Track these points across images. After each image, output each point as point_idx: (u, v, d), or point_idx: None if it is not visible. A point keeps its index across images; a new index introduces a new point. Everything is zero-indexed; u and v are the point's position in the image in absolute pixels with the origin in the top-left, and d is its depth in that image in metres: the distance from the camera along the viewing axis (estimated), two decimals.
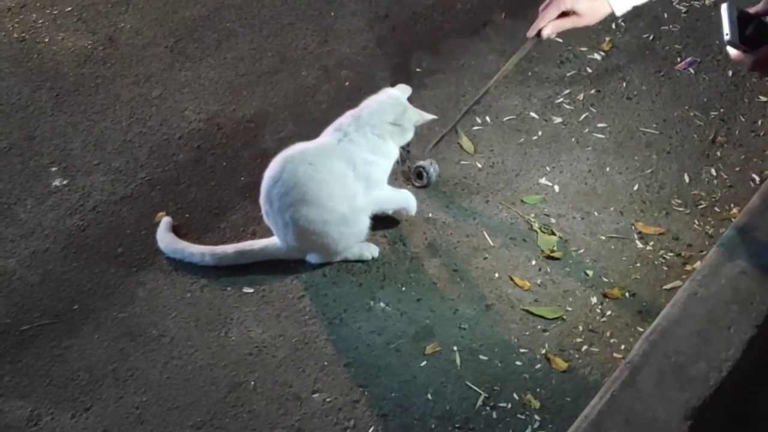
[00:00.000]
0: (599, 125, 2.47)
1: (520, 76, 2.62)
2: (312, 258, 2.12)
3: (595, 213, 2.24)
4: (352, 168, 2.05)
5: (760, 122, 2.46)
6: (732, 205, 2.24)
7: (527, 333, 1.97)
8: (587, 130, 2.46)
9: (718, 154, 2.38)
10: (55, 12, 2.92)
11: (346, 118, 2.11)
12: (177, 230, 2.19)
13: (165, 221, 2.20)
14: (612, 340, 1.96)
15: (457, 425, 1.81)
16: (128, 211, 2.28)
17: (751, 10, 1.59)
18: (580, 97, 2.56)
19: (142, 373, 1.93)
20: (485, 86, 2.15)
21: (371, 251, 2.14)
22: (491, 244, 2.17)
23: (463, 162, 2.38)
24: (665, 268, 2.11)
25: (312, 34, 2.81)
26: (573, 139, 2.43)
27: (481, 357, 1.93)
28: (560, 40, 2.69)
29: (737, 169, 2.34)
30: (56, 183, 2.36)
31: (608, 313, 2.01)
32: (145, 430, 1.83)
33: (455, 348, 1.95)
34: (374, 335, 1.98)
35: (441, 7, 2.90)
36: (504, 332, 1.98)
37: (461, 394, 1.87)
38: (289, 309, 2.04)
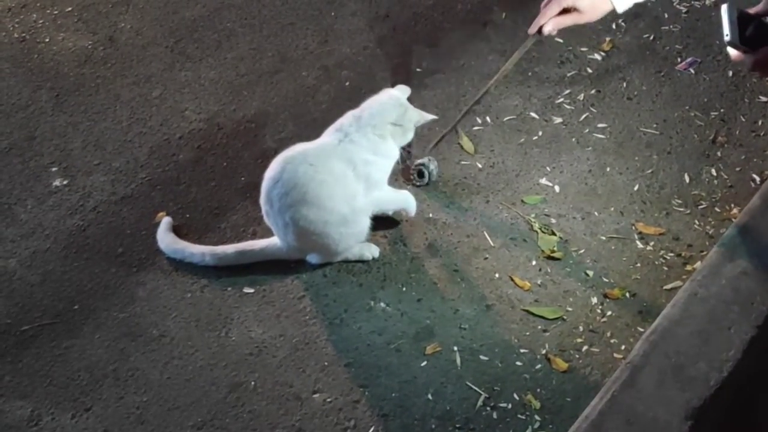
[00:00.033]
0: (599, 125, 2.47)
1: (520, 76, 2.62)
2: (312, 258, 2.12)
3: (596, 213, 2.24)
4: (353, 168, 2.05)
5: (760, 122, 2.46)
6: (732, 205, 2.24)
7: (527, 333, 1.97)
8: (587, 130, 2.46)
9: (719, 154, 2.38)
10: (56, 12, 2.91)
11: (347, 118, 2.11)
12: (177, 230, 2.19)
13: (165, 221, 2.20)
14: (612, 341, 1.96)
15: (457, 425, 1.81)
16: (128, 211, 2.28)
17: (751, 10, 1.60)
18: (581, 97, 2.56)
19: (142, 373, 1.93)
20: (485, 86, 2.15)
21: (372, 251, 2.14)
22: (491, 244, 2.17)
23: (463, 162, 2.38)
24: (665, 268, 2.10)
25: (312, 34, 2.81)
26: (573, 140, 2.43)
27: (482, 357, 1.93)
28: (560, 40, 2.69)
29: (738, 169, 2.34)
30: (56, 183, 2.36)
31: (608, 313, 2.01)
32: (146, 430, 1.83)
33: (456, 348, 1.95)
34: (375, 335, 1.98)
35: (441, 7, 2.89)
36: (504, 332, 1.98)
37: (462, 394, 1.87)
38: (289, 309, 2.04)
